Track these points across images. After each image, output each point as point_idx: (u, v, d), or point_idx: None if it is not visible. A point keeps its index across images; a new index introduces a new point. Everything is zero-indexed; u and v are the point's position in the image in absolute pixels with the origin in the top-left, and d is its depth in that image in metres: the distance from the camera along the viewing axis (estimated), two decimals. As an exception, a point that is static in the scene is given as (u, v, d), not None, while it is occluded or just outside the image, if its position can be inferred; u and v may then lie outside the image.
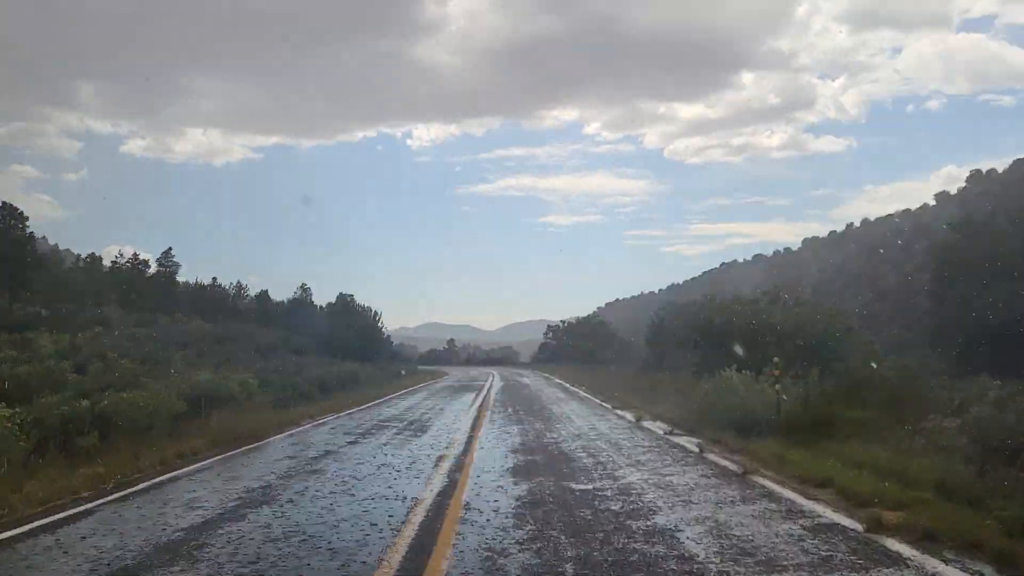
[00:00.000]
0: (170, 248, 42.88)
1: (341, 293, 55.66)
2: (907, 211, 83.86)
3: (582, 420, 18.82)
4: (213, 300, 45.42)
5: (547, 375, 46.68)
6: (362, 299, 61.08)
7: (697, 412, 16.34)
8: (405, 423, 18.43)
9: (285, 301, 49.41)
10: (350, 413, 21.09)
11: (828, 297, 42.70)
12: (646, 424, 17.20)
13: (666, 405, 19.46)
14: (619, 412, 20.54)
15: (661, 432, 15.54)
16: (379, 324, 61.04)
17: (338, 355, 42.62)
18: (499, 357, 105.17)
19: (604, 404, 23.58)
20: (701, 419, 15.58)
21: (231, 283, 48.37)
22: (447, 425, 17.93)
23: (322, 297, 72.22)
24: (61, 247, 70.22)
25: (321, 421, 18.75)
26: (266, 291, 49.92)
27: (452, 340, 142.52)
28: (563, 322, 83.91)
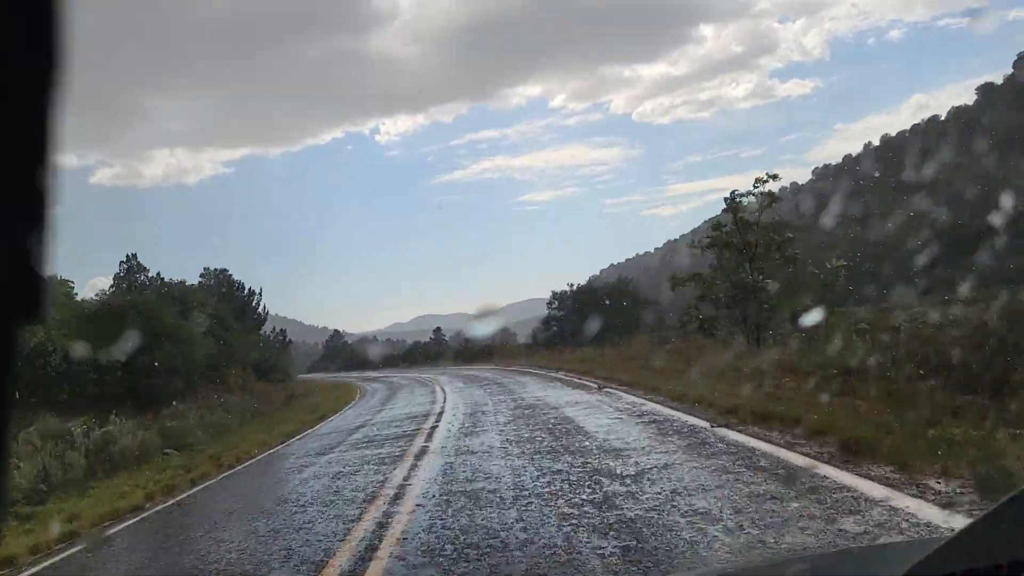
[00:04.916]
0: None
1: (129, 256, 30.39)
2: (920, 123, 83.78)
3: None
4: None
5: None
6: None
7: None
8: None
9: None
10: None
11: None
12: None
13: None
14: None
15: None
16: (256, 307, 37.30)
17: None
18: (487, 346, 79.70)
19: None
20: None
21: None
22: None
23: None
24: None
25: None
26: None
27: (439, 329, 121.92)
28: (571, 285, 60.15)
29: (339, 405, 22.91)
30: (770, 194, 17.12)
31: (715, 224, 17.88)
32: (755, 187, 16.89)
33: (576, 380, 20.21)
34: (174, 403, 19.00)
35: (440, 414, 14.89)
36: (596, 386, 17.33)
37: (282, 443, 14.24)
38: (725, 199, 17.13)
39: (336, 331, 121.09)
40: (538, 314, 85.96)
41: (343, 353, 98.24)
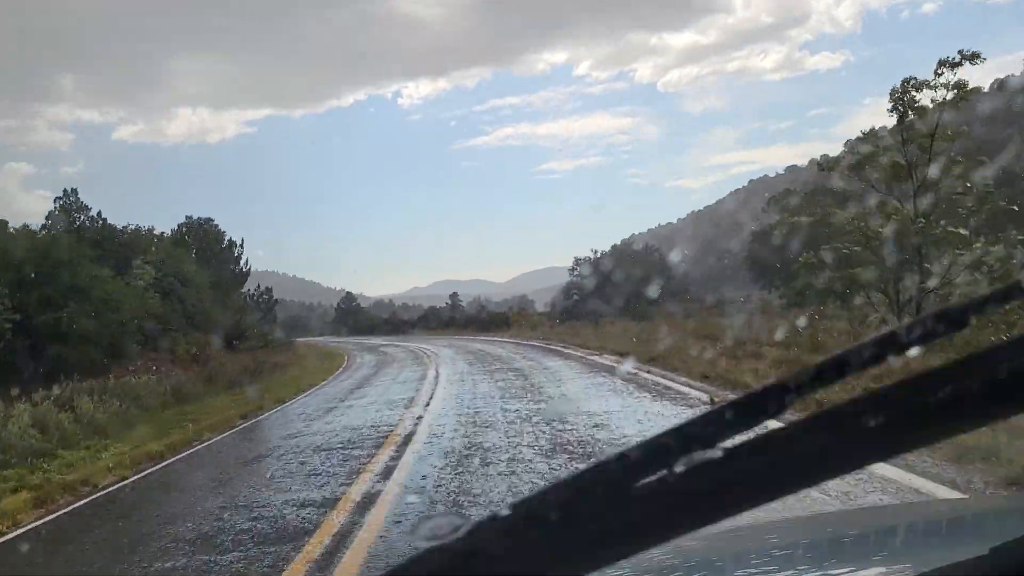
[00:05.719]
0: None
1: (67, 191, 25.00)
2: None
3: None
4: None
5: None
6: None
7: None
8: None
9: None
10: None
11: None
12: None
13: None
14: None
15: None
16: (238, 259, 32.33)
17: None
18: (503, 312, 73.45)
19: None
20: None
21: None
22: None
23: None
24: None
25: None
26: None
27: (455, 294, 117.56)
28: (595, 251, 54.68)
29: (293, 391, 17.53)
30: (960, 86, 10.93)
31: (868, 132, 11.64)
32: (937, 74, 10.72)
33: (646, 375, 13.08)
34: (56, 383, 13.73)
35: (409, 439, 9.12)
36: (705, 398, 9.82)
37: (115, 484, 8.41)
38: (892, 91, 11.07)
39: (348, 293, 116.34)
40: (557, 282, 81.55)
41: (353, 316, 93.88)
